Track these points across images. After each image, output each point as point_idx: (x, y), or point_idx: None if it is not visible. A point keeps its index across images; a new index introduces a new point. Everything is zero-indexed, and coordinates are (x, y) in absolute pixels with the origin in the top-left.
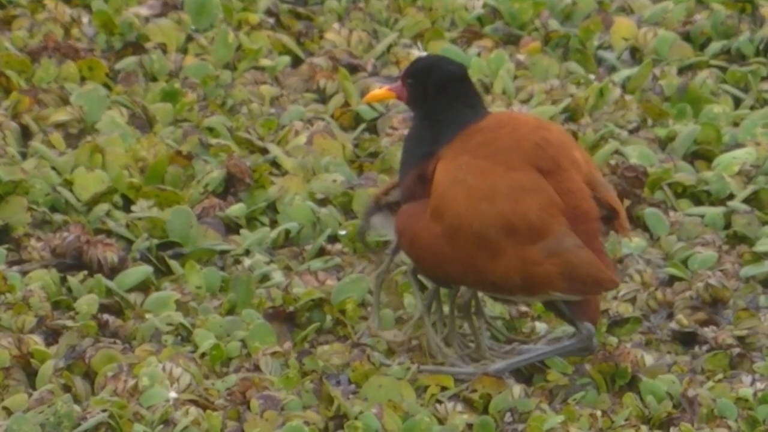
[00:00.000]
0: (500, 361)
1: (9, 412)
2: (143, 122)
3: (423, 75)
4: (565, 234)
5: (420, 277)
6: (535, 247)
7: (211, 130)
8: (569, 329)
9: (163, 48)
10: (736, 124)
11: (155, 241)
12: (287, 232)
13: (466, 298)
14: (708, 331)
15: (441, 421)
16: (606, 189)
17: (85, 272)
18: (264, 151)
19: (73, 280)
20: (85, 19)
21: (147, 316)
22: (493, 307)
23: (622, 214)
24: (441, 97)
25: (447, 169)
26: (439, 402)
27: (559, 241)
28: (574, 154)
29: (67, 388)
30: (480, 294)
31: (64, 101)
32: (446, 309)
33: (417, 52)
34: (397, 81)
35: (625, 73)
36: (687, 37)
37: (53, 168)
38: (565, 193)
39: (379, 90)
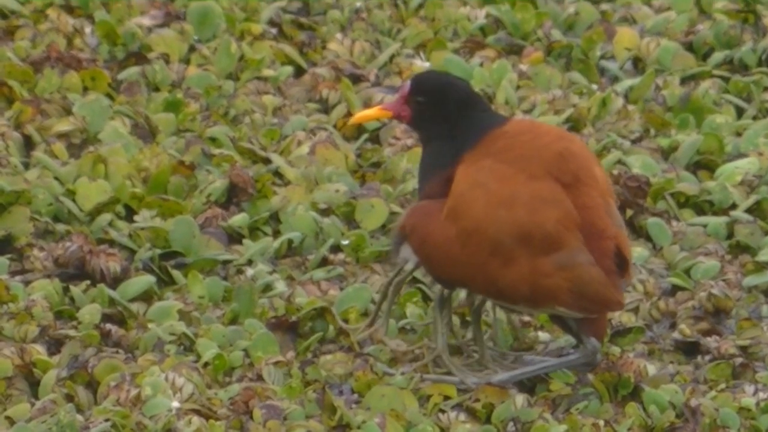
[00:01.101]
0: (503, 372)
1: (12, 421)
2: (146, 132)
3: (439, 93)
4: (579, 249)
5: (426, 282)
6: (548, 259)
7: (213, 140)
8: (573, 339)
9: (166, 58)
10: (738, 134)
11: (158, 251)
12: (290, 241)
13: (476, 304)
14: (711, 341)
15: (443, 431)
16: (618, 227)
17: (88, 282)
18: (266, 161)
19: (76, 289)
20: (87, 30)
21: (150, 325)
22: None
23: (630, 265)
24: (459, 112)
25: (468, 171)
26: (442, 411)
27: (573, 255)
28: (594, 170)
29: (69, 398)
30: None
31: (67, 111)
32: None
33: (420, 63)
34: (396, 99)
35: (627, 83)
36: (689, 47)
37: (56, 178)
38: (582, 208)
39: (369, 110)
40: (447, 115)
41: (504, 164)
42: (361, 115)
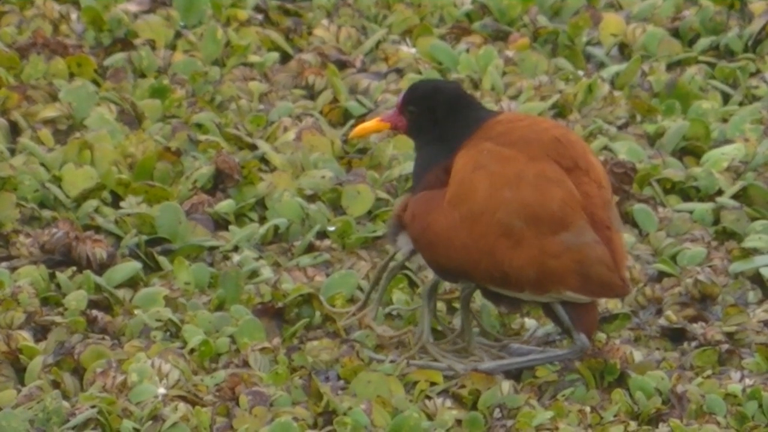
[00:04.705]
0: (490, 361)
1: None
2: (132, 118)
3: (429, 100)
4: (585, 228)
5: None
6: (556, 239)
7: (199, 126)
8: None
9: (152, 44)
10: (724, 120)
11: (144, 237)
12: (276, 228)
13: (466, 292)
14: (697, 327)
15: (430, 417)
16: (616, 231)
17: (74, 268)
18: (253, 147)
19: (62, 276)
20: (73, 16)
21: (136, 312)
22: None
23: (628, 284)
24: (451, 115)
25: (468, 155)
26: (428, 398)
27: (579, 234)
28: (590, 158)
29: (56, 384)
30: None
31: (53, 97)
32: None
33: (406, 49)
34: (393, 110)
35: (613, 69)
36: (676, 33)
37: (42, 164)
38: (583, 195)
39: (368, 123)
40: (439, 119)
41: (504, 146)
42: (360, 127)
